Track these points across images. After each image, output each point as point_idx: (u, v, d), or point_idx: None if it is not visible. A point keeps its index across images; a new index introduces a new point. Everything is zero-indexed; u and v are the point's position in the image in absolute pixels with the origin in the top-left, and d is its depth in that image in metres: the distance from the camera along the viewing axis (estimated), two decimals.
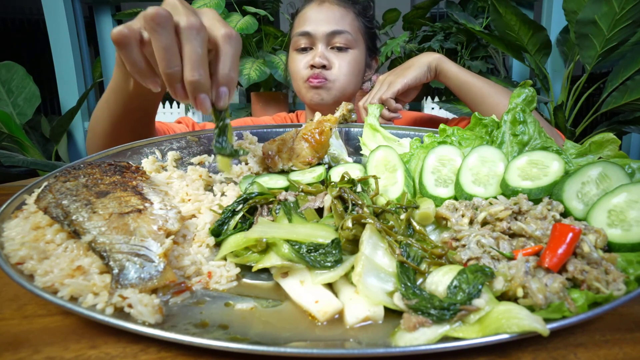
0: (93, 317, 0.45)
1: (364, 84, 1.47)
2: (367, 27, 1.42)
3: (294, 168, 0.88)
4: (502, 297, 0.49)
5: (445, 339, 0.43)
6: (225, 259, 0.61)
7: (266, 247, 0.58)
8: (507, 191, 0.66)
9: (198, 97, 0.62)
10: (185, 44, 0.60)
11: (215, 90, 0.64)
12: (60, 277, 0.50)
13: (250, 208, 0.70)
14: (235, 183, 0.85)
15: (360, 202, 0.63)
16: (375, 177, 0.74)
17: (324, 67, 1.31)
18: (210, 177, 0.85)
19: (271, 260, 0.56)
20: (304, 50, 1.36)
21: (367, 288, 0.49)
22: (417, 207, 0.64)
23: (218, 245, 0.64)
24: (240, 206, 0.69)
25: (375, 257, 0.54)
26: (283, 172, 0.88)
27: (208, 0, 2.52)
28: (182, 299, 0.52)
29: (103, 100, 0.95)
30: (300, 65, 1.35)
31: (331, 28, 1.32)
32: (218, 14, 0.67)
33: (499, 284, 0.49)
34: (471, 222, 0.62)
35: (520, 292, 0.47)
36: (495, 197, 0.65)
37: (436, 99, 3.03)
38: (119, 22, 3.24)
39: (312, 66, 1.31)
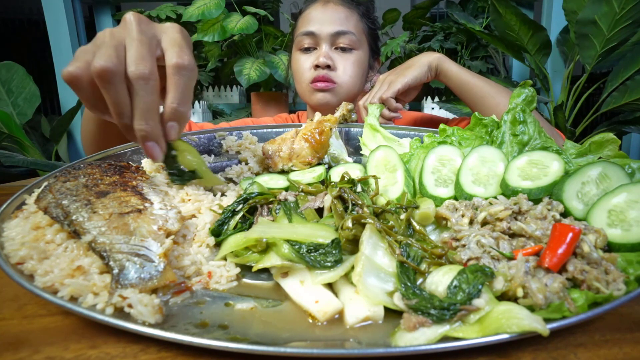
0: (93, 317, 0.45)
1: (365, 85, 1.47)
2: (370, 29, 1.43)
3: (294, 168, 0.88)
4: (502, 297, 0.49)
5: (445, 339, 0.43)
6: (225, 259, 0.61)
7: (266, 247, 0.58)
8: (507, 191, 0.66)
9: (146, 145, 0.61)
10: (134, 95, 0.58)
11: (164, 127, 0.63)
12: (60, 277, 0.50)
13: (250, 208, 0.70)
14: (236, 183, 0.85)
15: (360, 202, 0.63)
16: (375, 177, 0.74)
17: (328, 67, 1.30)
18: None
19: (271, 260, 0.56)
20: (307, 50, 1.35)
21: (367, 288, 0.49)
22: (417, 207, 0.64)
23: (218, 245, 0.64)
24: (240, 206, 0.69)
25: (375, 257, 0.54)
26: (283, 172, 0.88)
27: (208, 0, 2.52)
28: (182, 299, 0.52)
29: (85, 112, 0.97)
30: (304, 65, 1.34)
31: (336, 28, 1.31)
32: (179, 32, 0.64)
33: (499, 284, 0.49)
34: (471, 222, 0.62)
35: (520, 292, 0.47)
36: (495, 197, 0.65)
37: (436, 99, 3.03)
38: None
39: (317, 66, 1.31)
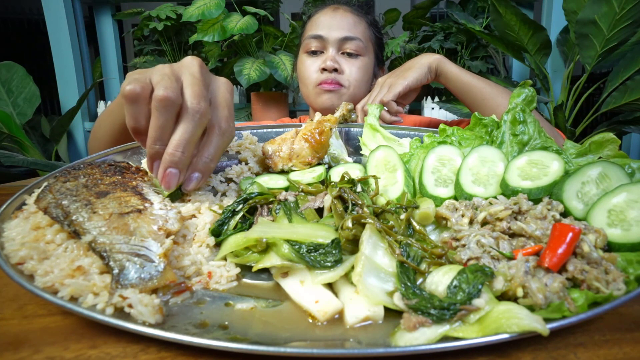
0: (93, 317, 0.45)
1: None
2: (377, 37, 1.45)
3: (294, 168, 0.88)
4: (502, 297, 0.49)
5: (445, 338, 0.43)
6: (225, 259, 0.61)
7: (266, 247, 0.58)
8: (507, 191, 0.66)
9: (168, 172, 0.61)
10: (182, 123, 0.60)
11: (189, 172, 0.65)
12: (60, 277, 0.50)
13: (250, 208, 0.70)
14: (236, 183, 0.85)
15: (360, 202, 0.63)
16: (375, 177, 0.74)
17: (335, 70, 1.32)
18: (210, 177, 0.84)
19: (271, 260, 0.56)
20: (314, 53, 1.36)
21: (367, 288, 0.49)
22: (417, 207, 0.64)
23: (218, 245, 0.64)
24: (240, 206, 0.69)
25: (375, 257, 0.54)
26: (283, 172, 0.88)
27: (208, 0, 2.52)
28: (182, 299, 0.52)
29: (108, 110, 0.99)
30: (311, 68, 1.36)
31: (344, 34, 1.33)
32: (231, 91, 0.66)
33: (499, 284, 0.49)
34: (471, 222, 0.62)
35: (520, 292, 0.47)
36: (495, 197, 0.65)
37: (436, 99, 3.03)
38: (119, 22, 3.24)
39: (324, 70, 1.32)
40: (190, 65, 0.64)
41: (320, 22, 1.37)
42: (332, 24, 1.35)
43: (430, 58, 1.19)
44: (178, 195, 0.69)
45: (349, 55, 1.35)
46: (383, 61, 1.56)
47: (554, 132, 1.16)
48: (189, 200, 0.73)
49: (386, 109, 1.16)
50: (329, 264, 0.53)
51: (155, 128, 0.59)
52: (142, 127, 0.62)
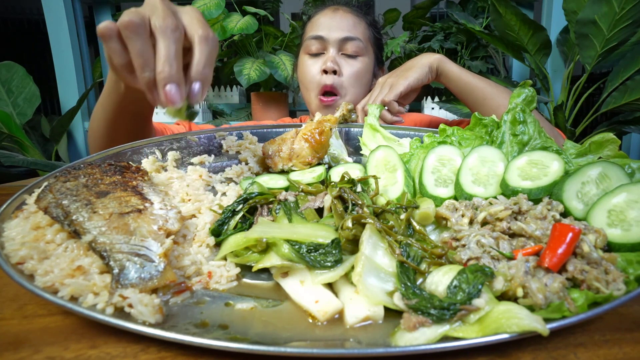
0: (93, 317, 0.45)
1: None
2: (376, 38, 1.45)
3: (294, 168, 0.88)
4: (502, 297, 0.49)
5: (445, 338, 0.43)
6: (225, 259, 0.61)
7: (266, 247, 0.58)
8: (507, 191, 0.66)
9: (166, 90, 0.61)
10: (158, 43, 0.62)
11: (189, 85, 0.65)
12: (60, 277, 0.50)
13: (250, 208, 0.70)
14: (236, 183, 0.85)
15: (360, 202, 0.63)
16: (375, 177, 0.74)
17: (334, 72, 1.32)
18: (210, 177, 0.85)
19: (271, 260, 0.56)
20: (316, 55, 1.37)
21: (367, 288, 0.49)
22: (417, 207, 0.64)
23: (218, 245, 0.64)
24: (240, 206, 0.69)
25: (375, 257, 0.54)
26: (283, 172, 0.88)
27: (208, 0, 2.52)
28: (182, 299, 0.52)
29: (99, 102, 0.97)
30: (312, 70, 1.37)
31: (344, 34, 1.34)
32: (200, 14, 0.68)
33: (499, 284, 0.49)
34: (471, 222, 0.62)
35: (520, 292, 0.48)
36: (495, 197, 0.65)
37: (436, 99, 3.03)
38: None
39: (324, 71, 1.33)
40: (153, 2, 0.66)
41: (320, 22, 1.38)
42: (332, 25, 1.36)
43: (431, 58, 1.19)
44: (192, 113, 0.69)
45: (349, 56, 1.36)
46: (383, 61, 1.56)
47: (554, 132, 1.16)
48: (189, 201, 0.73)
49: (387, 109, 1.16)
50: (329, 264, 0.53)
51: (136, 55, 0.62)
52: (127, 60, 0.65)
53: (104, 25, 0.63)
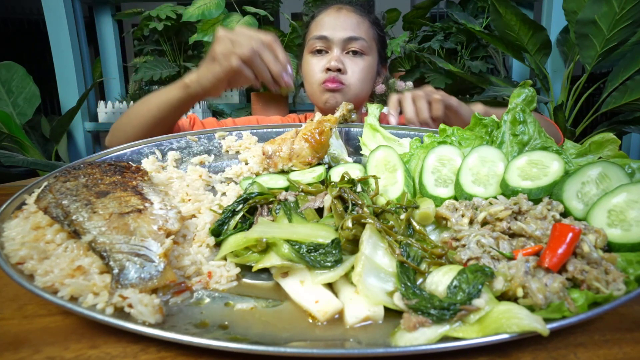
0: (93, 317, 0.45)
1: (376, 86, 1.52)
2: (380, 36, 1.46)
3: (294, 168, 0.88)
4: (502, 297, 0.49)
5: (445, 338, 0.43)
6: (225, 259, 0.61)
7: (266, 247, 0.58)
8: (507, 191, 0.66)
9: (282, 77, 0.98)
10: (263, 56, 0.96)
11: (284, 68, 0.98)
12: (60, 277, 0.50)
13: (250, 208, 0.70)
14: (236, 183, 0.85)
15: (360, 202, 0.63)
16: (375, 177, 0.74)
17: (339, 70, 1.33)
18: (210, 177, 0.85)
19: (271, 260, 0.56)
20: (319, 53, 1.38)
21: (367, 288, 0.49)
22: (417, 207, 0.64)
23: (218, 245, 0.64)
24: (240, 206, 0.69)
25: (375, 257, 0.54)
26: (283, 172, 0.88)
27: (208, 0, 2.52)
28: (182, 299, 0.52)
29: (149, 102, 1.09)
30: (316, 68, 1.37)
31: (348, 34, 1.34)
32: (250, 30, 1.00)
33: (499, 284, 0.49)
34: (471, 222, 0.62)
35: (520, 292, 0.47)
36: (495, 197, 0.65)
37: None
38: (119, 22, 3.24)
39: (328, 69, 1.33)
40: (235, 32, 0.99)
41: (324, 22, 1.38)
42: (336, 25, 1.36)
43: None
44: (292, 89, 1.08)
45: (354, 54, 1.36)
46: (386, 59, 1.57)
47: (551, 128, 1.16)
48: (189, 201, 0.73)
49: (389, 111, 1.15)
50: (329, 264, 0.53)
51: (260, 72, 0.97)
52: (269, 76, 0.98)
53: (238, 63, 0.95)
